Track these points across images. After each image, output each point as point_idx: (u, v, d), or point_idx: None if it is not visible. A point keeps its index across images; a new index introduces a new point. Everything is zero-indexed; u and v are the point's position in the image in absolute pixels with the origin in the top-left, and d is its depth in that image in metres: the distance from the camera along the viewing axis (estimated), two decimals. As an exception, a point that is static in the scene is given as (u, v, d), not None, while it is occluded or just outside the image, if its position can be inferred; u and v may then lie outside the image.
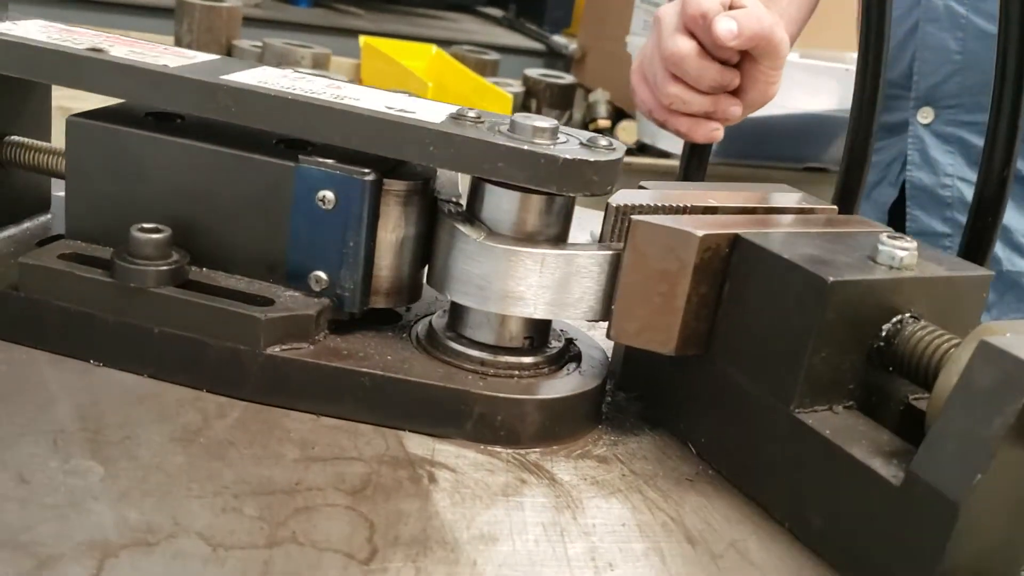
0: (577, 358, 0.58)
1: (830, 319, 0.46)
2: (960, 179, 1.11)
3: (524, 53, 2.83)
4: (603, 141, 0.53)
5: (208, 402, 0.51)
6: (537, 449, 0.53)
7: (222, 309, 0.51)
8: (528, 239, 0.53)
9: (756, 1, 0.81)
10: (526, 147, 0.50)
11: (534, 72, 2.21)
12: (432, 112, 0.53)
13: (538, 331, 0.57)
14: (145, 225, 0.52)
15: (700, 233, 0.50)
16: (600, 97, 2.20)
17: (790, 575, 0.46)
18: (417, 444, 0.51)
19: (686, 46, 0.81)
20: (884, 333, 0.48)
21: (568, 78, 2.24)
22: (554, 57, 2.82)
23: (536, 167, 0.50)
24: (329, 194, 0.52)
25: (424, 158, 0.51)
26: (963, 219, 0.80)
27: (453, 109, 0.54)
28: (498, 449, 0.52)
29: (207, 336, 0.52)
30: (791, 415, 0.47)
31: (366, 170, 0.52)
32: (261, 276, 0.55)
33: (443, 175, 0.57)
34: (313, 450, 0.48)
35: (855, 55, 0.83)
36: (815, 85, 1.99)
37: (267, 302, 0.53)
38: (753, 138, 1.96)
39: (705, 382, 0.53)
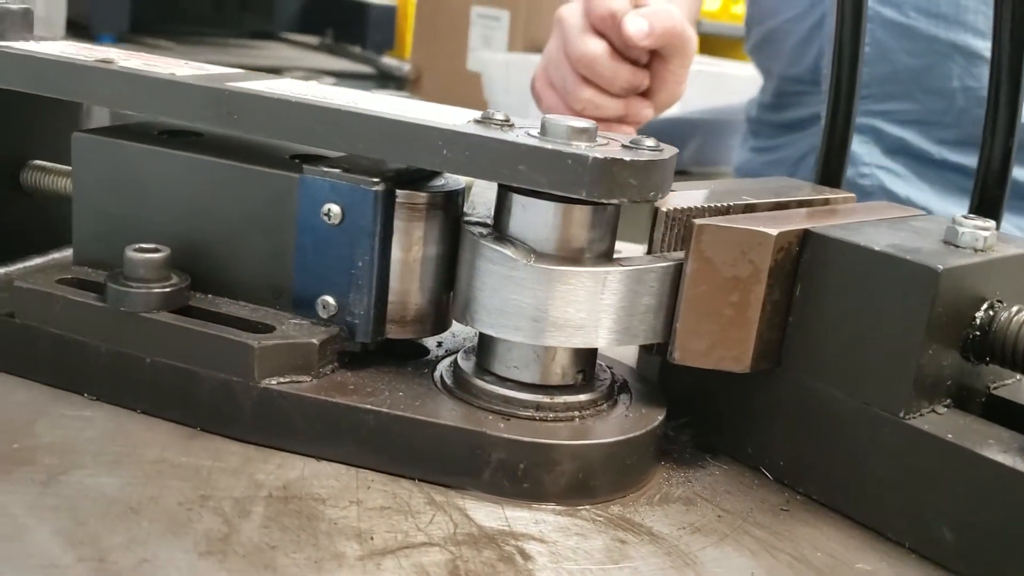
0: (624, 387, 0.50)
1: (938, 312, 0.42)
2: (878, 167, 1.08)
3: (356, 77, 2.68)
4: (649, 142, 0.45)
5: (222, 499, 0.41)
6: (614, 500, 0.46)
7: (214, 336, 0.46)
8: (578, 257, 0.46)
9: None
10: (550, 147, 0.43)
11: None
12: (454, 116, 0.47)
13: (589, 363, 0.49)
14: (143, 245, 0.48)
15: (775, 232, 0.44)
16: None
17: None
18: (485, 515, 0.43)
19: (598, 47, 0.76)
20: (978, 322, 0.44)
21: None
22: (386, 79, 2.69)
23: (561, 169, 0.43)
24: (335, 207, 0.46)
25: (436, 163, 0.45)
26: None
27: (478, 114, 0.47)
28: (576, 507, 0.45)
29: (199, 367, 0.46)
30: (902, 423, 0.43)
31: (374, 179, 0.46)
32: (267, 302, 0.49)
33: (477, 195, 0.51)
34: (372, 541, 0.40)
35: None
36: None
37: (266, 329, 0.47)
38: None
39: (776, 398, 0.47)
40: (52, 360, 0.49)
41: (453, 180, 0.50)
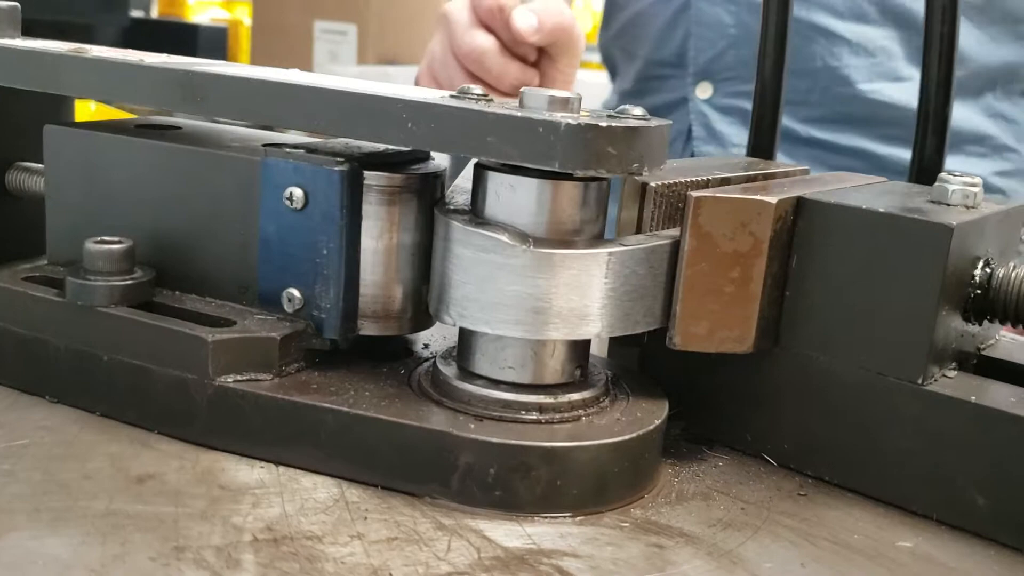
0: (617, 381, 0.46)
1: (950, 272, 0.40)
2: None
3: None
4: (637, 111, 0.41)
5: (201, 549, 0.35)
6: (632, 503, 0.42)
7: (169, 330, 0.43)
8: (573, 240, 0.42)
9: None
10: (520, 115, 0.39)
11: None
12: (433, 95, 0.43)
13: (585, 357, 0.45)
14: (104, 237, 0.45)
15: (774, 200, 0.41)
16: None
17: (983, 566, 0.40)
18: (503, 534, 0.39)
19: (486, 41, 0.74)
20: (976, 280, 0.43)
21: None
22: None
23: (532, 138, 0.38)
24: (297, 191, 0.43)
25: (402, 138, 0.41)
26: None
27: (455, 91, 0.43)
28: (595, 515, 0.41)
29: (155, 364, 0.43)
30: (921, 390, 0.41)
31: (338, 158, 0.42)
32: (234, 297, 0.46)
33: (459, 185, 0.47)
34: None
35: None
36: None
37: (226, 324, 0.44)
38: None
39: (776, 379, 0.45)
40: (15, 361, 0.46)
41: (433, 164, 0.46)
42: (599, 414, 0.43)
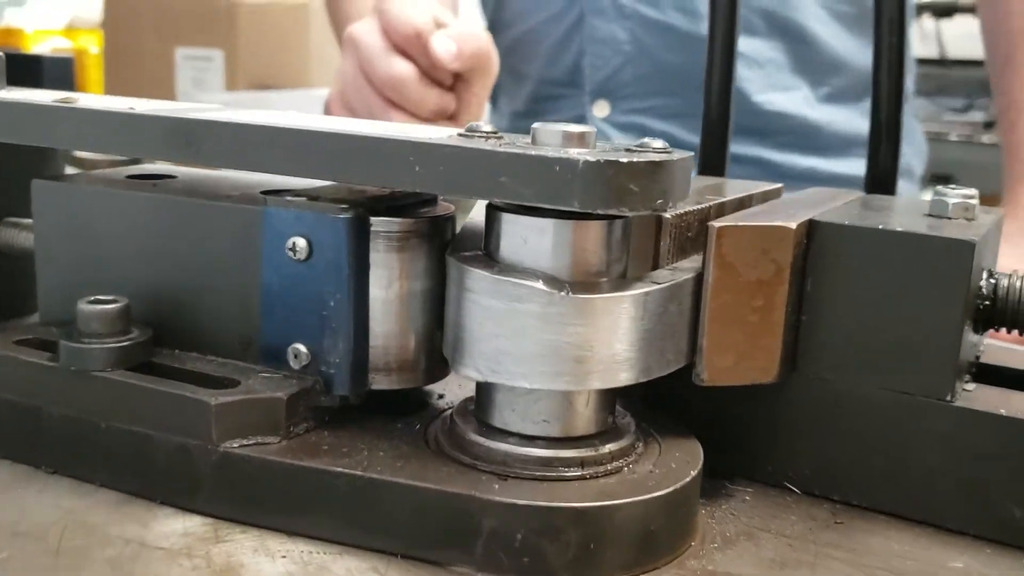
0: (637, 423, 0.43)
1: (971, 288, 0.41)
2: None
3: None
4: (656, 144, 0.38)
5: None
6: (682, 553, 0.40)
7: (169, 394, 0.40)
8: (601, 282, 0.39)
9: (453, 17, 0.74)
10: (533, 153, 0.36)
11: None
12: (439, 134, 0.41)
13: (613, 403, 0.42)
14: (98, 297, 0.43)
15: (793, 225, 0.40)
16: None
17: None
18: None
19: (405, 69, 0.73)
20: (984, 291, 0.43)
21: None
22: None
23: (548, 177, 0.36)
24: (300, 240, 0.41)
25: (409, 182, 0.38)
26: None
27: (463, 129, 0.41)
28: (654, 571, 0.39)
29: (155, 430, 0.40)
30: (949, 407, 0.41)
31: (342, 206, 0.40)
32: (237, 354, 0.43)
33: (468, 227, 0.44)
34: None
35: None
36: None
37: (230, 384, 0.41)
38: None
39: (795, 405, 0.44)
40: (9, 431, 0.44)
41: (442, 206, 0.43)
42: (637, 462, 0.41)
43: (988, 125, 3.12)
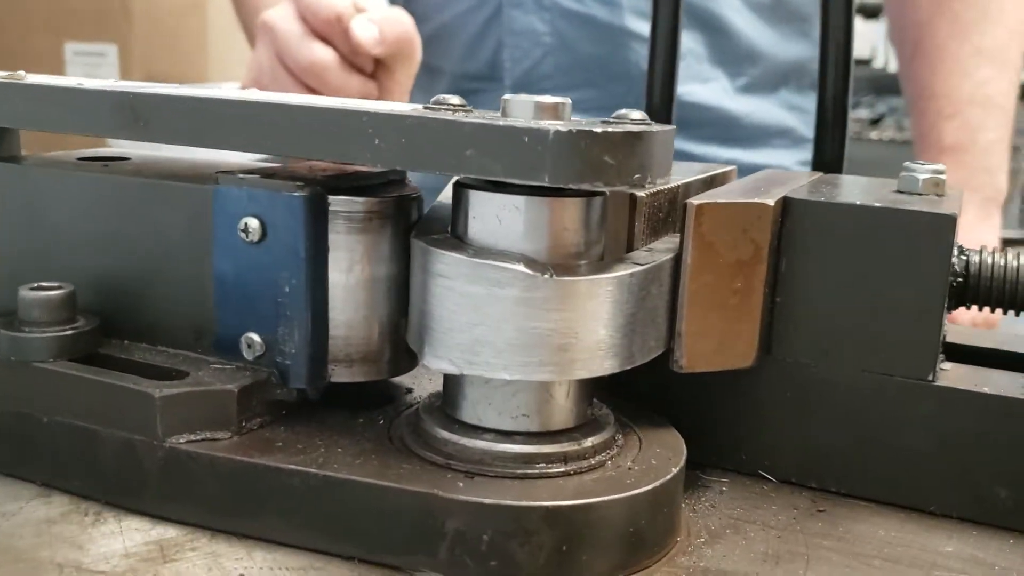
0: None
1: (951, 263, 0.39)
2: None
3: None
4: (635, 114, 0.36)
5: None
6: (670, 550, 0.38)
7: (113, 386, 0.37)
8: (579, 264, 0.37)
9: (373, 1, 0.73)
10: (502, 123, 0.33)
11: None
12: (403, 107, 0.38)
13: (591, 393, 0.40)
14: (40, 283, 0.40)
15: (771, 202, 0.39)
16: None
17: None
18: None
19: (326, 55, 0.70)
20: (956, 268, 0.42)
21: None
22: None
23: (517, 149, 0.33)
24: (252, 221, 0.38)
25: (369, 156, 0.36)
26: None
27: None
28: (646, 570, 0.36)
29: (100, 424, 0.38)
30: (932, 387, 0.40)
31: (298, 183, 0.37)
32: (188, 345, 0.40)
33: (435, 208, 0.41)
34: None
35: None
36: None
37: (177, 376, 0.38)
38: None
39: (770, 391, 0.42)
40: (-53, 427, 0.41)
41: (409, 186, 0.41)
42: (620, 455, 0.38)
43: (874, 122, 3.16)
